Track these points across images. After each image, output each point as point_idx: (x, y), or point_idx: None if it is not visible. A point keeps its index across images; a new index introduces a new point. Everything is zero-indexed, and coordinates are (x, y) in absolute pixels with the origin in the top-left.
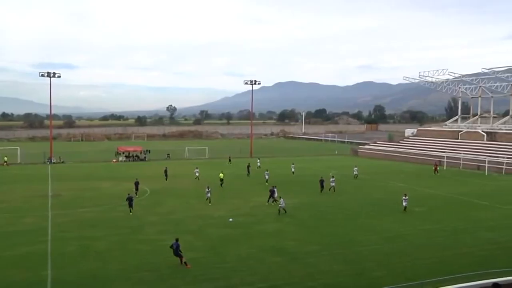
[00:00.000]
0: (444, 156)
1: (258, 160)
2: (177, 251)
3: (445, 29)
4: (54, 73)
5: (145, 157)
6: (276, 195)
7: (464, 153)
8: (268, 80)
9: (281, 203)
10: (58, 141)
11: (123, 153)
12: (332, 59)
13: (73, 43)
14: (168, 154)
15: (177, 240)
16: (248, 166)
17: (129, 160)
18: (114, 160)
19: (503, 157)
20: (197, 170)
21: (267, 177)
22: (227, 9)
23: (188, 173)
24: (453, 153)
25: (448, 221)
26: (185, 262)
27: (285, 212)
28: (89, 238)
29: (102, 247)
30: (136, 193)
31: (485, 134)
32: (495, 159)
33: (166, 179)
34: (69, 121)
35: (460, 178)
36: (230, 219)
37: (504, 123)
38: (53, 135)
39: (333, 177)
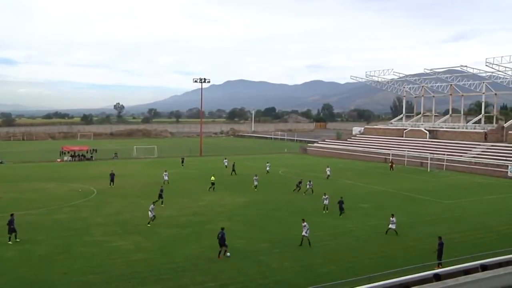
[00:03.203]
0: (390, 154)
1: (225, 160)
2: (222, 240)
3: (390, 31)
4: None
5: (91, 157)
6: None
7: (408, 151)
8: (217, 78)
9: (391, 222)
10: None
11: (68, 152)
12: (281, 58)
13: (11, 37)
14: (116, 153)
15: (222, 229)
16: (233, 165)
17: (74, 160)
18: (59, 160)
19: (444, 154)
20: (166, 173)
21: (256, 183)
22: (175, 7)
23: (136, 172)
24: (398, 151)
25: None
26: (220, 252)
27: (396, 233)
28: (30, 242)
29: (44, 251)
30: (161, 201)
31: (427, 132)
32: (437, 156)
33: (112, 184)
34: (8, 119)
35: (404, 174)
36: (228, 254)
37: (445, 121)
38: None
39: (310, 181)
